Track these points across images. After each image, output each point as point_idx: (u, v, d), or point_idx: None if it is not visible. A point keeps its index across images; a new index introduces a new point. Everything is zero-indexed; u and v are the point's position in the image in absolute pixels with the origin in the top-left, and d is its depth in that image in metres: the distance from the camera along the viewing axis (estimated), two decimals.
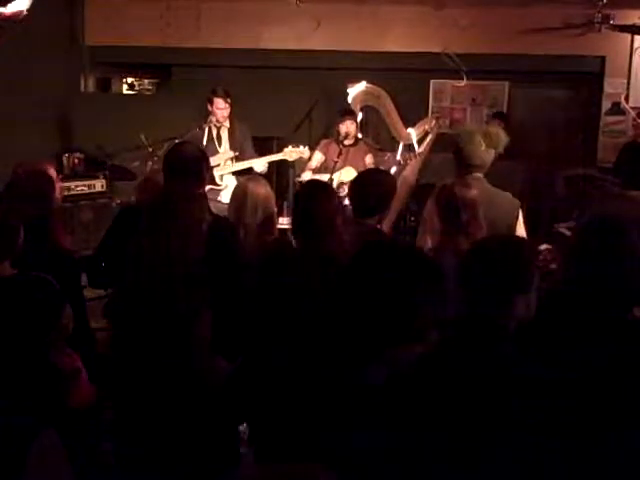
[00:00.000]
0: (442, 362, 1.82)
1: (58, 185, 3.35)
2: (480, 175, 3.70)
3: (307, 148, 5.53)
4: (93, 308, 3.20)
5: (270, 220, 3.43)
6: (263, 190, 3.42)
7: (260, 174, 5.07)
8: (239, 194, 3.45)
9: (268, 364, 2.67)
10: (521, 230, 3.61)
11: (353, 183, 3.63)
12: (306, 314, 2.57)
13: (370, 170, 4.46)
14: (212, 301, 2.55)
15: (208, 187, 3.55)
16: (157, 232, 2.45)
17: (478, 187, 3.44)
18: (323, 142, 5.93)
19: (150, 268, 2.47)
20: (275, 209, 3.60)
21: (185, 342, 2.33)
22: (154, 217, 2.50)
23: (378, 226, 3.46)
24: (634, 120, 6.84)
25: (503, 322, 1.81)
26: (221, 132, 5.46)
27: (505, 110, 7.35)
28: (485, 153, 3.69)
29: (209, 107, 5.39)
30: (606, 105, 7.19)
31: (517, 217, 3.60)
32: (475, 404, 1.72)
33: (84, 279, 3.24)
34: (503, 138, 3.85)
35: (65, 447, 1.78)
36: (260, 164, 5.32)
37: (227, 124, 5.45)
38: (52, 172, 3.31)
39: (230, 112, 5.41)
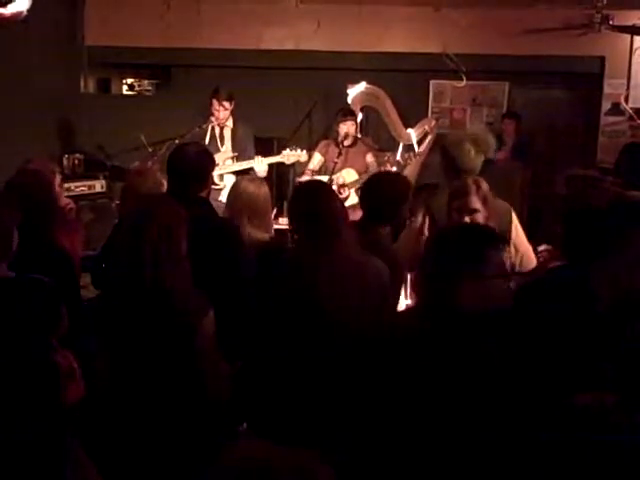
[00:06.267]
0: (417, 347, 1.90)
1: (59, 185, 3.35)
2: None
3: (305, 152, 5.51)
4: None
5: (266, 220, 3.42)
6: (259, 190, 3.41)
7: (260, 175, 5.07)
8: (235, 193, 3.44)
9: (270, 366, 2.68)
10: (520, 235, 3.51)
11: (365, 185, 3.52)
12: (312, 314, 2.57)
13: (384, 172, 4.42)
14: (211, 301, 2.54)
15: None
16: (128, 234, 2.40)
17: None
18: (322, 143, 5.92)
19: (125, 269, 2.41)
20: (271, 209, 3.59)
21: (188, 342, 2.32)
22: (130, 219, 2.47)
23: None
24: (633, 120, 6.84)
25: (454, 307, 1.83)
26: (224, 132, 5.44)
27: (504, 111, 7.36)
28: (474, 159, 3.69)
29: (210, 106, 5.38)
30: (606, 105, 7.19)
31: (511, 222, 3.50)
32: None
33: (88, 279, 3.26)
34: (492, 143, 3.86)
35: (61, 444, 1.78)
36: (261, 165, 5.29)
37: (230, 124, 5.43)
38: (54, 172, 3.31)
39: (232, 113, 5.39)
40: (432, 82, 7.50)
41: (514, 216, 3.55)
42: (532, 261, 3.46)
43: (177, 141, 4.89)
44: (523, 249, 3.46)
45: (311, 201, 2.74)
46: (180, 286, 2.33)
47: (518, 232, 3.52)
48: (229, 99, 5.30)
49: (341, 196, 5.08)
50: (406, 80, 6.99)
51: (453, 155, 3.66)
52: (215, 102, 5.29)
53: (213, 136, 5.39)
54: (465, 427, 1.77)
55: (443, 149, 3.77)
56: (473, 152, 3.66)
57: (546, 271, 2.43)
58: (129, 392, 2.36)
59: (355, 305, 2.59)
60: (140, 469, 2.31)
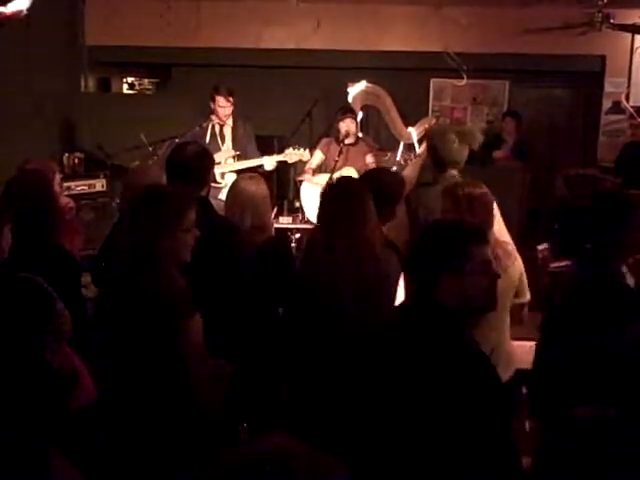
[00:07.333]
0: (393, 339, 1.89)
1: (59, 184, 3.35)
2: (455, 172, 3.65)
3: (307, 151, 5.51)
4: None
5: (265, 218, 3.42)
6: (258, 188, 3.41)
7: (265, 172, 5.07)
8: (234, 192, 3.44)
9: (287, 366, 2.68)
10: (500, 226, 3.43)
11: (362, 178, 3.54)
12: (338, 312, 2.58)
13: (378, 169, 4.40)
14: (211, 301, 2.54)
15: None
16: (134, 231, 2.40)
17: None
18: (323, 141, 5.92)
19: (127, 265, 2.41)
20: (271, 208, 3.58)
21: (174, 342, 2.31)
22: (134, 214, 2.46)
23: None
24: (634, 119, 6.84)
25: (433, 303, 1.82)
26: (224, 130, 5.43)
27: (505, 109, 7.36)
28: (458, 150, 3.64)
29: (212, 105, 5.36)
30: (606, 104, 7.20)
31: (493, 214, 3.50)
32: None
33: (88, 279, 3.26)
34: (478, 136, 3.82)
35: (68, 448, 1.76)
36: (269, 162, 5.30)
37: (230, 122, 5.42)
38: (54, 172, 3.31)
39: (233, 110, 5.39)
40: (433, 81, 7.51)
41: (497, 208, 3.52)
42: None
43: (177, 140, 4.89)
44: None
45: (346, 200, 2.77)
46: (172, 287, 2.31)
47: (499, 226, 3.44)
48: (231, 94, 5.32)
49: None
50: (407, 79, 6.99)
51: (436, 145, 3.63)
52: (221, 99, 5.28)
53: (213, 135, 5.38)
54: (429, 433, 1.75)
55: (428, 140, 3.73)
56: (457, 143, 3.62)
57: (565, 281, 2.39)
58: (117, 394, 2.35)
59: (375, 304, 2.61)
60: (127, 474, 2.30)
